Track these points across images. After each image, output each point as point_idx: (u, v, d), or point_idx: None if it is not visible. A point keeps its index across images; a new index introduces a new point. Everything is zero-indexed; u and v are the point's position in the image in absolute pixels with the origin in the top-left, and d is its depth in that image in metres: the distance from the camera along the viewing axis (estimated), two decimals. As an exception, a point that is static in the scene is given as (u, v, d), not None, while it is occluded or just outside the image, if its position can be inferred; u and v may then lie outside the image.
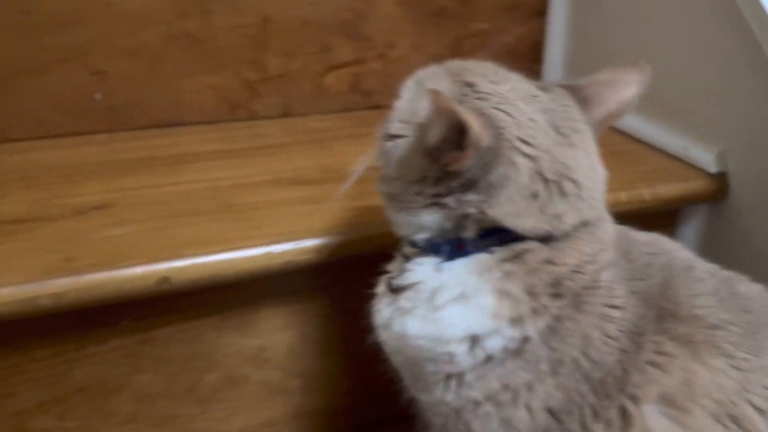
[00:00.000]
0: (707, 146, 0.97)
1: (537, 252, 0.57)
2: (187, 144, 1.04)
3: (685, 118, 1.01)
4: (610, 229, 0.62)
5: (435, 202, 0.58)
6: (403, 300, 0.61)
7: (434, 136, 0.55)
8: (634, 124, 1.08)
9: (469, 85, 0.58)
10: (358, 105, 1.20)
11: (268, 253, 0.75)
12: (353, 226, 0.80)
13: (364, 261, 0.71)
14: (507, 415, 0.57)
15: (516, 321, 0.56)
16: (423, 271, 0.61)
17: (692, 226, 1.00)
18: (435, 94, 0.52)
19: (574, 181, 0.58)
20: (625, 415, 0.55)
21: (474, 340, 0.57)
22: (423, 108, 0.58)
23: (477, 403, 0.58)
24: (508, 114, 0.57)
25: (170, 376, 0.83)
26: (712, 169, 0.95)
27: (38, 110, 1.03)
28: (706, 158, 0.95)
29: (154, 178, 0.91)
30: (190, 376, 0.84)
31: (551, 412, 0.56)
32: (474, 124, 0.51)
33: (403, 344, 0.61)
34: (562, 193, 0.57)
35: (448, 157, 0.55)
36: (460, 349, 0.57)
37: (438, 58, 1.20)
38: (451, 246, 0.59)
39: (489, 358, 0.57)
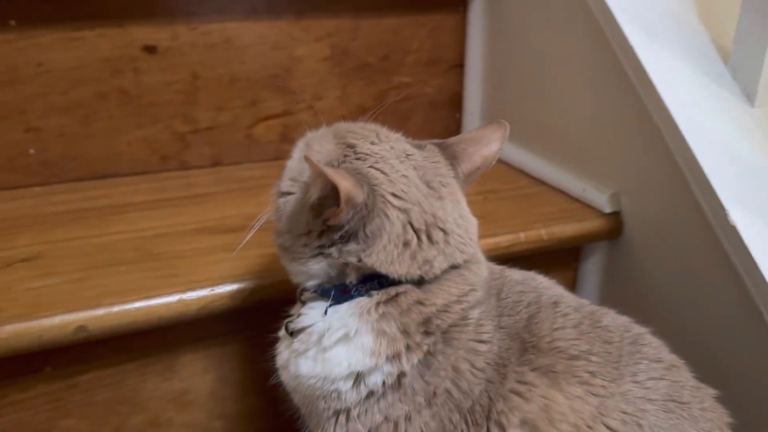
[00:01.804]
0: (602, 188, 1.05)
1: (409, 294, 0.64)
2: (118, 195, 1.09)
3: (583, 162, 1.09)
4: (481, 270, 0.69)
5: (320, 252, 0.64)
6: (297, 342, 0.67)
7: (314, 194, 0.62)
8: (541, 168, 1.17)
9: (351, 146, 0.65)
10: (287, 154, 1.26)
11: (181, 300, 0.80)
12: (266, 273, 0.85)
13: (276, 305, 0.77)
14: None
15: (392, 358, 0.62)
16: (314, 314, 0.67)
17: (593, 261, 1.08)
18: (308, 160, 0.59)
19: (442, 230, 0.65)
20: None
21: (357, 377, 0.63)
22: (307, 168, 0.65)
23: None
24: (383, 172, 0.64)
25: (95, 420, 0.86)
26: (607, 209, 1.03)
27: (-26, 166, 1.08)
28: (601, 199, 1.04)
29: (83, 230, 0.96)
30: (115, 420, 0.87)
31: None
32: (344, 185, 0.58)
33: (298, 383, 0.67)
34: (431, 241, 0.64)
35: (327, 213, 0.61)
36: (346, 386, 0.63)
37: (363, 109, 1.30)
38: (336, 291, 0.66)
39: (371, 393, 0.63)
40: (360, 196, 0.60)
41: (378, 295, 0.64)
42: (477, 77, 1.32)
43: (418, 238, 0.63)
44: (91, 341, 0.78)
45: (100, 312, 0.76)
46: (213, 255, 0.90)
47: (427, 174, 0.66)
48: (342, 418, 0.64)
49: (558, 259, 1.06)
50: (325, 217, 0.62)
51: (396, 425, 0.62)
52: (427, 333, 0.63)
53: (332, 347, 0.64)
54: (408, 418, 0.62)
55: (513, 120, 1.25)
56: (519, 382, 0.62)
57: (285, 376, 0.69)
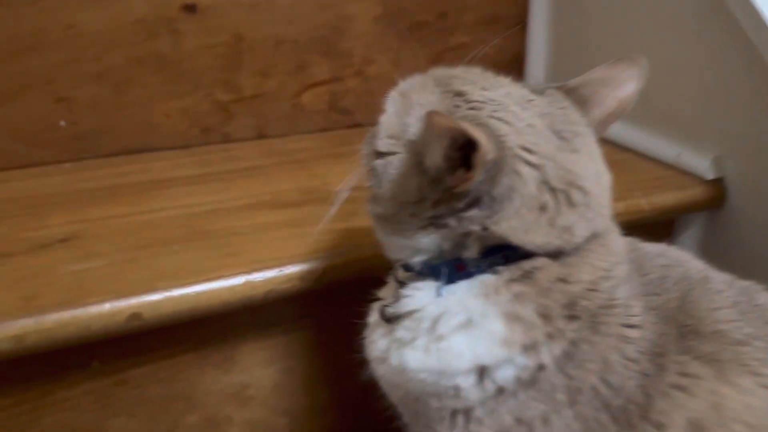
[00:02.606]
0: (701, 151, 0.93)
1: (548, 269, 0.52)
2: (157, 170, 0.99)
3: (677, 123, 0.98)
4: (620, 240, 0.58)
5: (432, 223, 0.53)
6: (401, 330, 0.56)
7: (434, 157, 0.51)
8: (622, 131, 1.05)
9: (460, 94, 0.54)
10: (336, 124, 1.16)
11: (248, 282, 0.69)
12: (338, 250, 0.75)
13: (351, 287, 0.66)
14: None
15: (529, 348, 0.51)
16: (422, 296, 0.56)
17: (689, 235, 0.97)
18: (433, 115, 0.48)
19: (581, 189, 0.53)
20: None
21: (482, 371, 0.52)
22: (412, 124, 0.54)
23: None
24: (506, 122, 0.52)
25: (147, 419, 0.76)
26: (709, 175, 0.92)
27: (1, 140, 0.97)
28: (702, 164, 0.92)
29: (122, 207, 0.86)
30: (169, 418, 0.77)
31: None
32: (482, 139, 0.46)
33: (403, 379, 0.56)
34: (571, 203, 0.53)
35: (453, 178, 0.50)
36: (468, 382, 0.52)
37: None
38: (450, 268, 0.54)
39: (500, 390, 0.52)
40: (492, 152, 0.49)
41: (508, 272, 0.52)
42: (542, 36, 1.20)
43: (556, 199, 0.52)
44: (145, 331, 0.68)
45: (156, 297, 0.66)
46: (274, 232, 0.79)
47: (555, 122, 0.55)
48: (460, 419, 0.53)
49: (651, 232, 0.94)
50: (451, 183, 0.50)
51: (531, 428, 0.51)
52: (571, 317, 0.52)
53: (450, 335, 0.53)
54: (545, 420, 0.51)
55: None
56: (681, 374, 0.51)
57: (383, 370, 0.58)
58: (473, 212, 0.51)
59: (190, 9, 1.01)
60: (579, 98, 0.58)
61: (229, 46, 1.05)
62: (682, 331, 0.53)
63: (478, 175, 0.48)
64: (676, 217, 0.96)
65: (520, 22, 1.21)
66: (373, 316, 0.60)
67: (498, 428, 0.52)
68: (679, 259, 0.61)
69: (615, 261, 0.55)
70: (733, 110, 0.89)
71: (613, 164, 0.99)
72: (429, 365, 0.53)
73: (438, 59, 1.19)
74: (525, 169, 0.51)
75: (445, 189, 0.51)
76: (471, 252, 0.53)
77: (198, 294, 0.68)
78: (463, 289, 0.53)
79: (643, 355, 0.52)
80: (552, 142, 0.53)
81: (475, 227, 0.52)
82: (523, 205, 0.51)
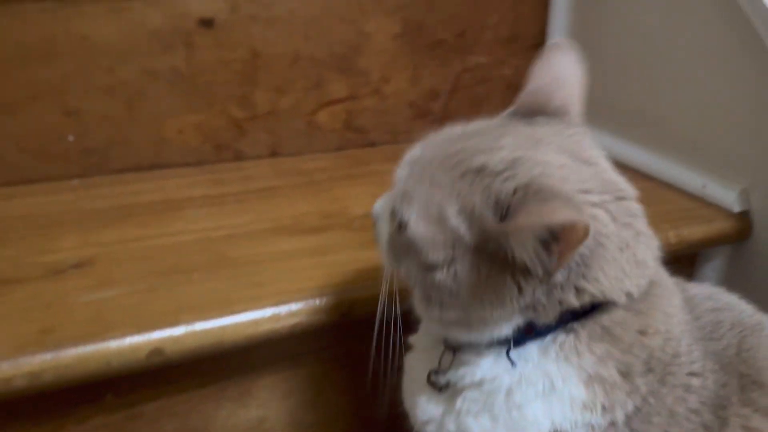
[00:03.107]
0: (728, 183, 0.92)
1: (627, 322, 0.50)
2: (171, 189, 0.95)
3: (702, 154, 0.96)
4: (670, 279, 0.56)
5: (528, 307, 0.49)
6: (467, 402, 0.53)
7: (527, 251, 0.45)
8: (645, 161, 1.03)
9: (479, 170, 0.49)
10: (351, 143, 1.13)
11: (274, 315, 0.67)
12: (365, 282, 0.72)
13: (372, 318, 0.63)
14: None
15: (608, 409, 0.49)
16: (489, 365, 0.52)
17: (711, 268, 0.95)
18: (520, 224, 0.44)
19: (633, 212, 0.51)
20: None
21: None
22: (459, 225, 0.48)
23: None
24: (548, 175, 0.48)
25: (160, 454, 0.73)
26: (736, 207, 0.90)
27: (5, 153, 0.94)
28: (728, 196, 0.91)
29: (137, 230, 0.82)
30: (183, 453, 0.74)
31: None
32: (572, 214, 0.43)
33: None
34: (636, 232, 0.50)
35: (554, 262, 0.45)
36: None
37: (435, 92, 1.16)
38: (519, 331, 0.51)
39: None
40: (582, 218, 0.44)
41: (585, 330, 0.49)
42: (561, 58, 1.18)
43: (628, 230, 0.50)
44: (164, 367, 0.65)
45: (179, 332, 0.63)
46: (298, 260, 0.76)
47: (571, 149, 0.52)
48: None
49: (674, 265, 0.93)
50: (554, 267, 0.45)
51: None
52: (647, 372, 0.50)
53: (528, 404, 0.50)
54: None
55: (607, 107, 1.14)
56: (744, 428, 0.49)
57: None
58: (562, 279, 0.48)
59: (207, 23, 0.98)
60: (555, 109, 0.55)
61: (245, 61, 1.03)
62: (743, 381, 0.52)
63: (576, 248, 0.45)
64: (700, 252, 0.94)
65: (538, 43, 1.19)
66: (412, 372, 0.57)
67: None
68: (729, 302, 0.59)
69: (678, 305, 0.53)
70: (760, 142, 0.88)
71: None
72: None
73: (456, 78, 1.16)
74: (595, 211, 0.48)
75: (545, 272, 0.46)
76: (549, 318, 0.49)
77: (222, 328, 0.65)
78: (536, 353, 0.50)
79: (704, 406, 0.50)
80: (587, 172, 0.51)
81: (569, 294, 0.48)
82: (614, 249, 0.48)
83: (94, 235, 0.81)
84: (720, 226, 0.89)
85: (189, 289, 0.70)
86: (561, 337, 0.50)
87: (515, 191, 0.46)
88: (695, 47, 0.95)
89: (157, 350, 0.62)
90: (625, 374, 0.49)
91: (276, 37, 1.03)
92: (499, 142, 0.51)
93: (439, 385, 0.54)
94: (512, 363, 0.50)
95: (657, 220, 0.87)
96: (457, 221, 0.48)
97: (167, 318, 0.64)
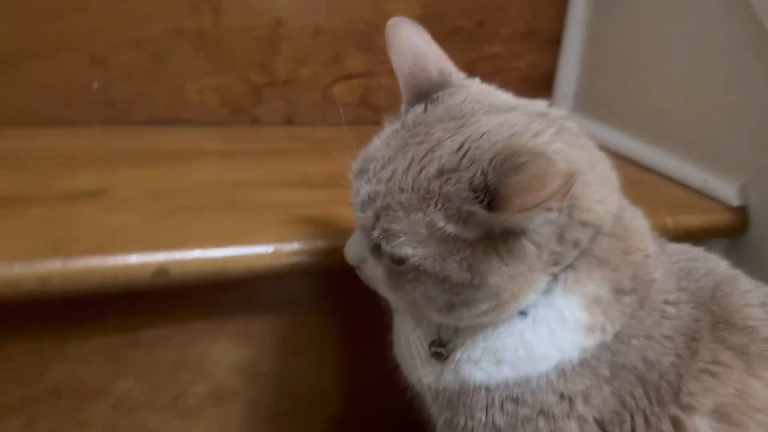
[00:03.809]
0: (727, 178, 0.94)
1: (613, 247, 0.53)
2: (187, 141, 0.99)
3: (704, 149, 0.98)
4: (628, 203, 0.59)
5: (554, 264, 0.51)
6: (467, 351, 0.54)
7: (532, 222, 0.47)
8: (649, 155, 1.06)
9: (440, 173, 0.49)
10: (365, 119, 1.16)
11: (276, 251, 0.69)
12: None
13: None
14: (559, 430, 0.51)
15: (604, 329, 0.52)
16: (502, 323, 0.54)
17: (708, 261, 0.97)
18: (521, 204, 0.44)
19: (578, 135, 0.55)
20: (678, 426, 0.51)
21: (560, 365, 0.52)
22: (444, 227, 0.48)
23: (527, 419, 0.52)
24: (491, 138, 0.50)
25: (154, 384, 0.75)
26: (734, 202, 0.92)
27: (32, 97, 0.97)
28: (728, 190, 0.93)
29: (152, 170, 0.85)
30: (176, 387, 0.76)
31: (600, 423, 0.51)
32: (561, 168, 0.44)
33: (460, 389, 0.55)
34: (591, 152, 0.54)
35: (555, 214, 0.47)
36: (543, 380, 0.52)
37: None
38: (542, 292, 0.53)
39: (562, 372, 0.52)
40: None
41: (582, 262, 0.52)
42: (574, 55, 1.21)
43: (584, 155, 0.53)
44: (168, 289, 0.67)
45: (185, 255, 0.66)
46: (305, 208, 0.79)
47: (490, 104, 0.55)
48: (508, 404, 0.53)
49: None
50: (554, 219, 0.47)
51: (571, 404, 0.51)
52: (632, 291, 0.53)
53: (537, 342, 0.52)
54: (586, 396, 0.51)
55: (614, 103, 1.17)
56: (713, 361, 0.52)
57: (434, 384, 0.57)
58: (565, 220, 0.49)
59: (235, -12, 1.02)
60: (427, 88, 0.57)
61: (269, 29, 1.06)
62: (715, 320, 0.54)
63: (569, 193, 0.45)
64: (697, 243, 0.96)
65: (555, 39, 1.22)
66: (401, 332, 0.60)
67: (540, 407, 0.52)
68: (705, 255, 0.62)
69: (646, 225, 0.57)
70: (762, 139, 0.90)
71: (638, 183, 1.00)
72: (505, 376, 0.53)
73: (470, 66, 1.18)
74: (556, 147, 0.50)
75: (550, 222, 0.48)
76: (567, 264, 0.51)
77: (226, 257, 0.67)
78: (544, 296, 0.52)
79: (678, 334, 0.53)
80: (518, 117, 0.52)
81: (577, 232, 0.50)
82: (587, 173, 0.51)
83: (110, 171, 0.84)
84: (718, 217, 0.91)
85: (197, 221, 0.72)
86: (563, 275, 0.52)
87: (484, 173, 0.46)
88: (701, 45, 0.98)
89: (162, 270, 0.64)
90: (617, 291, 0.52)
91: (300, 8, 1.07)
92: (431, 139, 0.51)
93: (443, 356, 0.56)
94: (525, 314, 0.52)
95: (656, 207, 0.90)
96: (451, 228, 0.48)
97: (175, 241, 0.66)
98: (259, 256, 0.68)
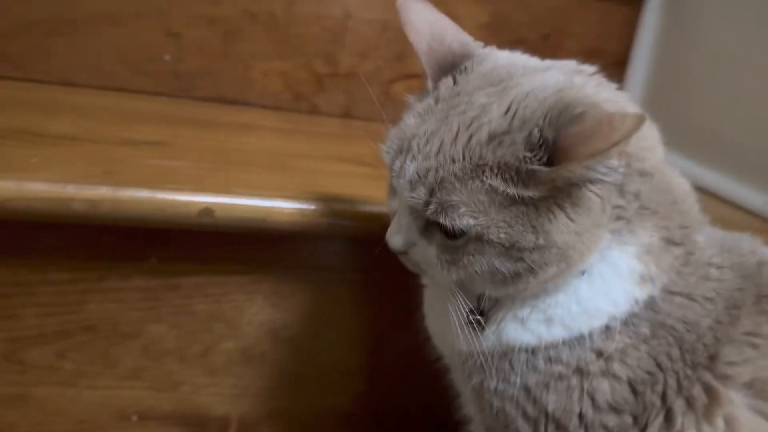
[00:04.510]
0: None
1: (660, 198, 0.52)
2: (247, 117, 1.01)
3: (765, 172, 0.95)
4: None
5: (617, 218, 0.50)
6: (510, 312, 0.53)
7: (597, 171, 0.45)
8: (708, 176, 1.02)
9: (491, 137, 0.48)
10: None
11: (318, 209, 0.69)
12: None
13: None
14: (591, 388, 0.49)
15: (655, 279, 0.51)
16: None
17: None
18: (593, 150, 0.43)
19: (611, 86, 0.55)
20: (711, 394, 0.49)
21: (609, 321, 0.51)
22: (504, 191, 0.46)
23: (560, 377, 0.50)
24: (538, 96, 0.49)
25: (186, 334, 0.76)
26: (800, 227, 0.88)
27: (105, 60, 1.02)
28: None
29: (212, 134, 0.88)
30: (207, 339, 0.77)
31: (632, 383, 0.50)
32: (630, 113, 0.42)
33: (501, 353, 0.53)
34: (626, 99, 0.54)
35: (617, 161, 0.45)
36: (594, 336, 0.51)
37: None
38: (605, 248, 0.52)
39: (606, 329, 0.50)
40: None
41: (630, 214, 0.51)
42: (640, 77, 1.20)
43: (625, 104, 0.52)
44: (211, 231, 0.68)
45: (230, 199, 0.67)
46: (354, 179, 0.80)
47: (524, 65, 0.56)
48: (540, 359, 0.51)
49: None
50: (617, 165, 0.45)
51: (608, 361, 0.49)
52: (680, 243, 0.52)
53: (592, 297, 0.51)
54: (623, 354, 0.49)
55: (676, 126, 1.14)
56: (754, 333, 0.50)
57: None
58: (624, 169, 0.47)
59: (312, -24, 1.06)
60: (450, 62, 0.57)
61: (338, 20, 1.09)
62: (760, 293, 0.52)
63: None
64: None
65: (621, 60, 1.22)
66: (434, 305, 0.59)
67: (576, 364, 0.50)
68: (748, 236, 0.59)
69: (686, 191, 0.56)
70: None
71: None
72: (555, 335, 0.51)
73: (532, 79, 1.19)
74: (604, 96, 0.51)
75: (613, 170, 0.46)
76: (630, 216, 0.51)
77: (270, 207, 0.68)
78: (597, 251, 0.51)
79: (720, 298, 0.51)
80: (557, 75, 0.53)
81: (636, 182, 0.50)
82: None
83: (172, 129, 0.87)
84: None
85: (246, 174, 0.74)
86: (613, 226, 0.50)
87: (540, 129, 0.45)
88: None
89: (207, 210, 0.66)
90: (667, 240, 0.51)
91: (370, 3, 1.09)
92: (474, 107, 0.49)
93: (482, 325, 0.54)
94: (583, 272, 0.51)
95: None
96: (512, 190, 0.46)
97: (222, 186, 0.68)
98: (302, 212, 0.69)
